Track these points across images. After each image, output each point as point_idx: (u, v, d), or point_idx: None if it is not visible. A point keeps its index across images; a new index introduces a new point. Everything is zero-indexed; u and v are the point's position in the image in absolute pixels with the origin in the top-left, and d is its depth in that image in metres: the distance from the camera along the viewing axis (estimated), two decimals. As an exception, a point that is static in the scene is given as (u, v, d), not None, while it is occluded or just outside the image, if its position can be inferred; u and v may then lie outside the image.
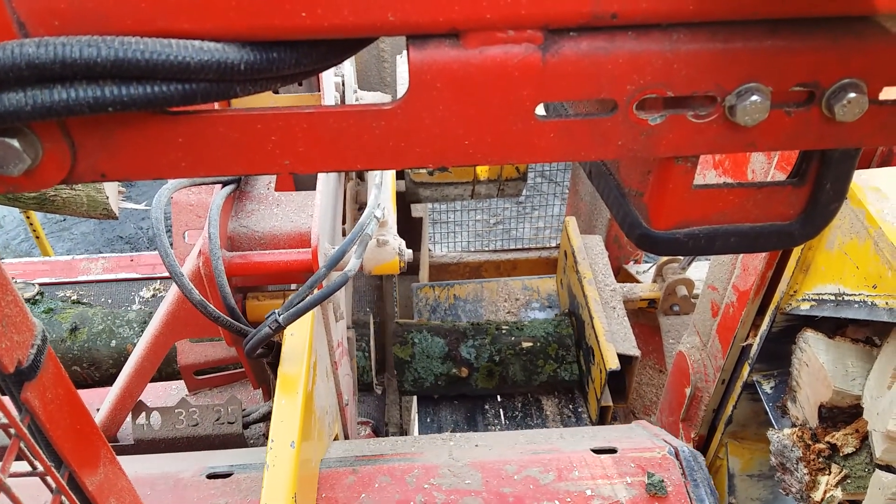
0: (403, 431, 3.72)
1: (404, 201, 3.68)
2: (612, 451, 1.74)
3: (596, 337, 2.95)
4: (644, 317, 3.53)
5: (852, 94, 0.57)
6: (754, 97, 0.56)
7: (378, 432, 3.18)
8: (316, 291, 1.64)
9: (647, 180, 0.65)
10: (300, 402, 1.65)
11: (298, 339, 1.75)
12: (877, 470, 1.74)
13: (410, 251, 2.01)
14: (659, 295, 3.31)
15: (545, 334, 3.16)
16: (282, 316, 1.61)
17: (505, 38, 0.53)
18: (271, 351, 1.85)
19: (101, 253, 6.74)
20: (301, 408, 1.64)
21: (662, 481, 1.65)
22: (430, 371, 3.14)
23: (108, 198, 3.91)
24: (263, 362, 1.95)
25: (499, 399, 3.35)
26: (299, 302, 1.61)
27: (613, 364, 2.81)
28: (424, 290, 3.73)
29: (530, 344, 3.12)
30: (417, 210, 3.92)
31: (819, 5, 0.54)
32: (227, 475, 1.74)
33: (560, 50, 0.54)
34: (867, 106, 0.58)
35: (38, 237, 5.53)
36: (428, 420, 3.35)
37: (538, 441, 1.86)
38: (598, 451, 1.74)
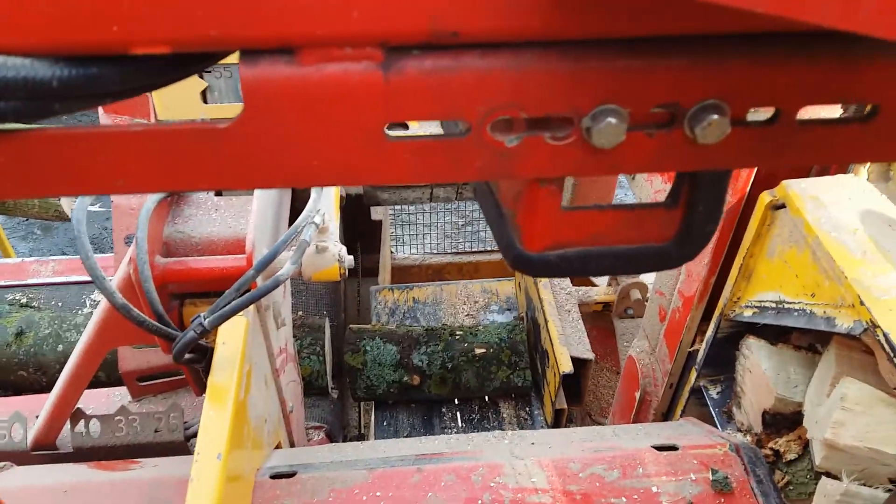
0: (362, 436, 3.68)
1: (363, 204, 3.64)
2: (674, 448, 1.73)
3: (550, 340, 2.94)
4: (602, 320, 3.53)
5: (714, 116, 0.55)
6: (609, 119, 0.54)
7: (332, 436, 3.15)
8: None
9: (519, 201, 0.63)
10: (229, 412, 1.61)
11: (230, 348, 1.71)
12: (823, 477, 1.74)
13: (351, 258, 1.98)
14: (613, 298, 3.31)
15: (499, 340, 3.14)
16: (207, 319, 1.58)
17: (342, 55, 0.50)
18: (205, 357, 1.81)
19: (64, 254, 6.63)
20: (230, 418, 1.60)
21: (727, 477, 1.64)
22: (383, 379, 3.12)
23: (59, 199, 3.83)
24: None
25: (456, 402, 3.33)
26: (225, 305, 1.58)
27: (567, 367, 2.81)
28: (383, 293, 3.70)
29: (483, 350, 3.10)
30: (377, 213, 3.88)
31: (677, 22, 0.52)
32: (290, 475, 1.70)
33: (403, 68, 0.51)
34: (729, 128, 0.56)
35: (-2, 237, 5.41)
36: (385, 424, 3.32)
37: (594, 439, 1.85)
38: (659, 448, 1.73)
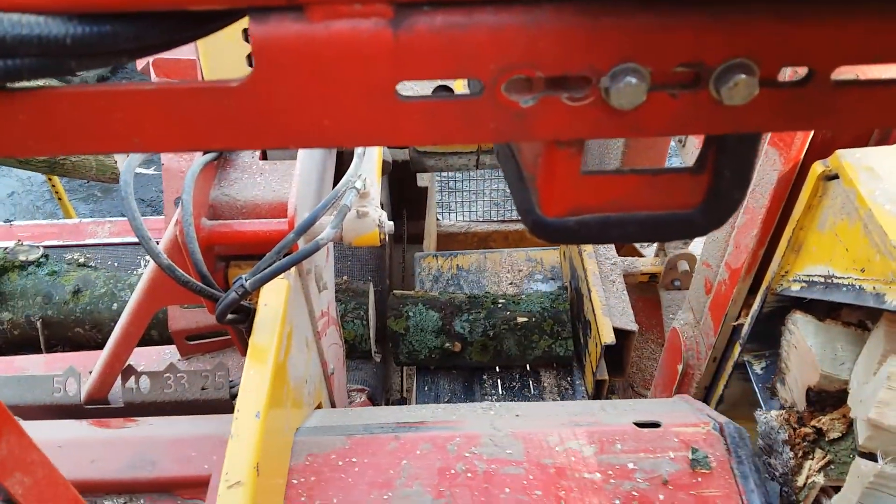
0: (404, 399, 3.74)
1: (409, 171, 3.64)
2: (656, 425, 1.72)
3: (593, 311, 2.92)
4: (648, 291, 3.47)
5: (741, 76, 0.52)
6: (629, 78, 0.52)
7: (374, 399, 3.20)
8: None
9: (537, 164, 0.62)
10: (269, 372, 1.65)
11: (271, 310, 1.74)
12: (856, 458, 1.69)
13: (391, 224, 1.98)
14: (660, 269, 3.25)
15: (541, 309, 3.13)
16: (248, 281, 1.61)
17: (351, 12, 0.49)
18: (248, 318, 1.84)
19: (123, 215, 6.85)
20: (270, 378, 1.64)
21: (707, 457, 1.62)
22: (424, 344, 3.15)
23: (115, 162, 3.94)
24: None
25: (497, 370, 3.34)
26: (266, 268, 1.61)
27: (609, 338, 2.78)
28: (427, 260, 3.71)
29: (525, 319, 3.10)
30: (423, 179, 3.88)
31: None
32: None
33: (413, 25, 0.50)
34: (757, 89, 0.53)
35: (60, 199, 5.61)
36: (426, 389, 3.36)
37: (580, 413, 1.86)
38: (641, 425, 1.72)
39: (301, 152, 1.96)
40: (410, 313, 3.18)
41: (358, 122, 0.55)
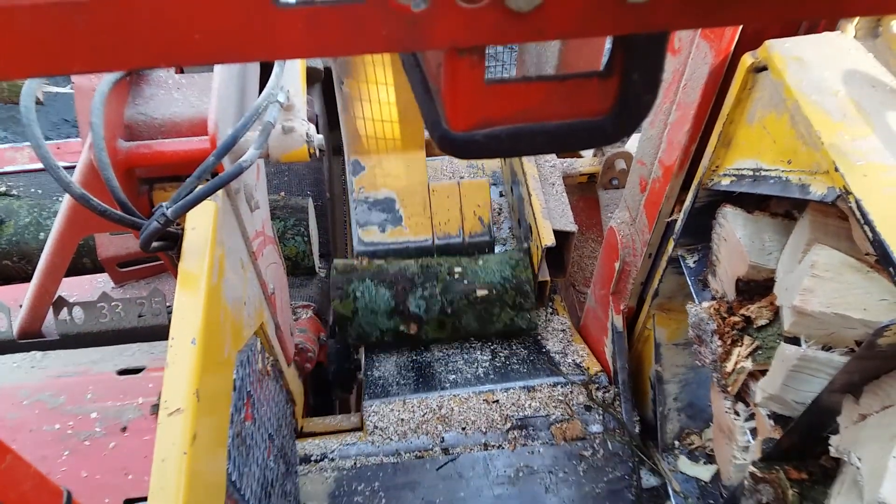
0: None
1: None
2: (138, 371, 1.72)
3: (533, 214, 2.93)
4: (588, 190, 3.50)
5: (644, -30, 0.49)
6: (525, -23, 0.48)
7: (321, 315, 3.20)
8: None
9: (440, 74, 0.58)
10: (202, 297, 1.61)
11: (199, 234, 1.69)
12: (782, 343, 1.77)
13: (321, 137, 1.91)
14: (599, 169, 3.26)
15: (502, 279, 2.89)
16: (170, 209, 1.54)
17: None
18: (177, 243, 1.78)
19: (48, 139, 6.52)
20: (203, 303, 1.61)
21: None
22: (376, 327, 2.89)
23: (26, 82, 3.68)
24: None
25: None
26: (188, 193, 1.55)
27: (549, 241, 2.81)
28: (366, 171, 3.63)
29: (485, 292, 2.86)
30: (356, 87, 3.74)
31: None
32: None
33: (283, -79, 0.45)
34: (663, -17, 0.50)
35: (-26, 124, 5.27)
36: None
37: (81, 363, 1.85)
38: (123, 372, 1.72)
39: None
40: (358, 293, 2.87)
41: (232, 34, 0.50)
